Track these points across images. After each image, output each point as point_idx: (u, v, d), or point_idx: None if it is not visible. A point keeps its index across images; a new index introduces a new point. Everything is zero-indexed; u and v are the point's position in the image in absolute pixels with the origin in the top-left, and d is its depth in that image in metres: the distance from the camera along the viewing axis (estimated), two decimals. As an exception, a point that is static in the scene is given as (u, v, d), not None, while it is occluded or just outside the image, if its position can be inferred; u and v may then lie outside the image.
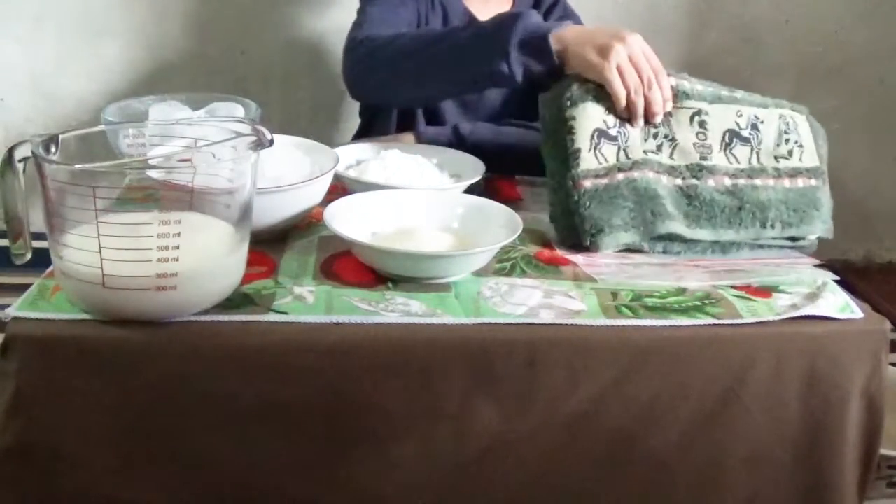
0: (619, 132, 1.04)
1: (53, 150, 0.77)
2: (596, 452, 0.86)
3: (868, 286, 1.92)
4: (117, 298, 0.77)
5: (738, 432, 0.87)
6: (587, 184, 1.01)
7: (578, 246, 1.02)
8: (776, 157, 1.08)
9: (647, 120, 1.06)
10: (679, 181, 1.04)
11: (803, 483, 0.90)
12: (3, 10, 1.94)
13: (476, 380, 0.82)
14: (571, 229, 1.02)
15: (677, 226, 1.01)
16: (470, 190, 1.12)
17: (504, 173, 1.27)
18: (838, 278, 0.97)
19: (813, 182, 1.08)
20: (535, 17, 1.11)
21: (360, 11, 1.39)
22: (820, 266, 1.01)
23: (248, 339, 0.80)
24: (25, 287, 0.84)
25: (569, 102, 1.04)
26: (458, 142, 1.30)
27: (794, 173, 1.08)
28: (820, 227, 1.06)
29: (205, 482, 0.83)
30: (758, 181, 1.05)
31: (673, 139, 1.06)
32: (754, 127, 1.08)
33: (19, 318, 0.79)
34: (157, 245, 0.75)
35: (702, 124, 1.06)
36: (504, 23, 1.11)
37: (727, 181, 1.05)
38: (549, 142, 1.07)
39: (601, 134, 1.03)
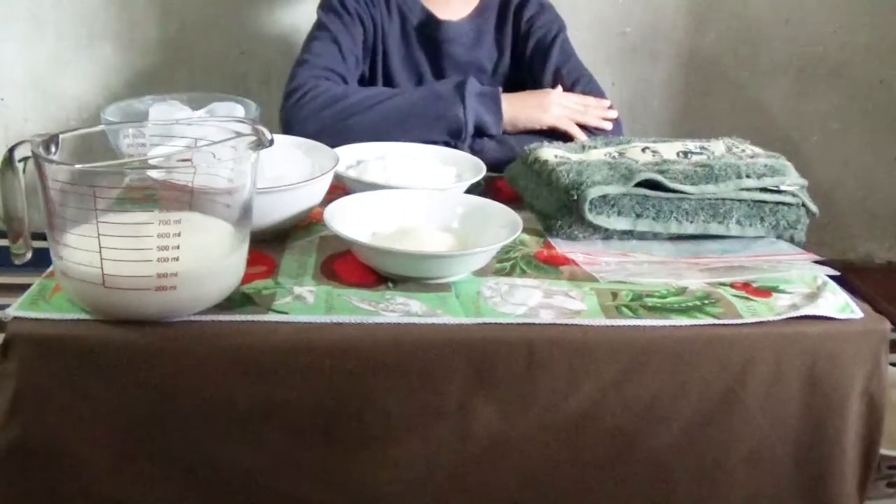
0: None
1: (53, 149, 0.77)
2: (596, 452, 0.86)
3: (868, 286, 1.92)
4: (117, 298, 0.77)
5: (738, 432, 0.87)
6: (562, 168, 1.07)
7: (576, 237, 1.04)
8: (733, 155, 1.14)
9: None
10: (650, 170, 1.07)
11: (803, 483, 0.90)
12: (2, 10, 1.94)
13: (476, 380, 0.82)
14: (562, 206, 1.04)
15: (655, 176, 1.03)
16: (470, 190, 1.12)
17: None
18: (837, 273, 0.97)
19: (774, 157, 1.12)
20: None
21: (305, 45, 1.42)
22: (819, 262, 1.01)
23: (248, 339, 0.80)
24: (25, 287, 0.84)
25: (528, 151, 1.18)
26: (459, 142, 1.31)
27: (754, 155, 1.14)
28: (795, 178, 1.07)
29: (204, 482, 0.83)
30: (722, 161, 1.10)
31: (631, 162, 1.10)
32: (703, 147, 1.16)
33: (19, 318, 0.79)
34: (157, 245, 0.75)
35: (654, 153, 1.14)
36: (457, 81, 1.33)
37: (692, 167, 1.08)
38: (530, 196, 1.14)
39: (562, 156, 1.14)
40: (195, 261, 0.78)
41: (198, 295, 0.80)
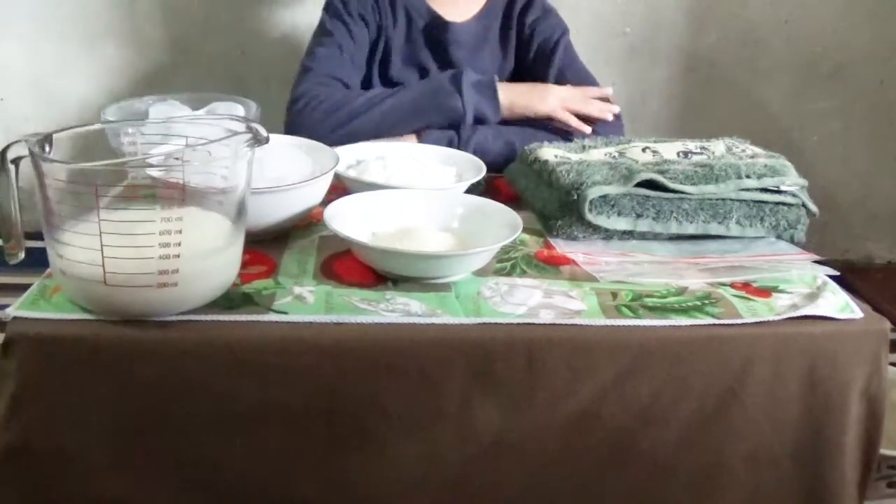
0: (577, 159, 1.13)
1: (48, 148, 0.77)
2: (596, 452, 0.86)
3: (868, 286, 1.92)
4: (119, 295, 0.77)
5: (738, 432, 0.87)
6: (562, 168, 1.07)
7: (576, 237, 1.04)
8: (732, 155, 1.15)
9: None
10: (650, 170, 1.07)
11: (803, 483, 0.90)
12: (4, 10, 1.94)
13: (476, 380, 0.82)
14: (562, 206, 1.04)
15: (656, 177, 1.02)
16: (470, 190, 1.12)
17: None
18: (837, 273, 0.97)
19: (774, 157, 1.12)
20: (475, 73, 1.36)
21: (309, 50, 1.43)
22: (819, 262, 1.01)
23: (248, 339, 0.80)
24: (25, 287, 0.84)
25: (528, 151, 1.19)
26: (460, 142, 1.31)
27: (754, 155, 1.14)
28: (795, 178, 1.07)
29: (204, 481, 0.83)
30: (723, 161, 1.10)
31: (631, 163, 1.10)
32: (703, 147, 1.16)
33: (19, 318, 0.79)
34: (158, 242, 0.75)
35: (654, 153, 1.14)
36: (453, 72, 1.36)
37: (693, 167, 1.07)
38: (530, 196, 1.14)
39: (562, 156, 1.14)
40: (194, 257, 0.78)
41: (197, 290, 0.80)
